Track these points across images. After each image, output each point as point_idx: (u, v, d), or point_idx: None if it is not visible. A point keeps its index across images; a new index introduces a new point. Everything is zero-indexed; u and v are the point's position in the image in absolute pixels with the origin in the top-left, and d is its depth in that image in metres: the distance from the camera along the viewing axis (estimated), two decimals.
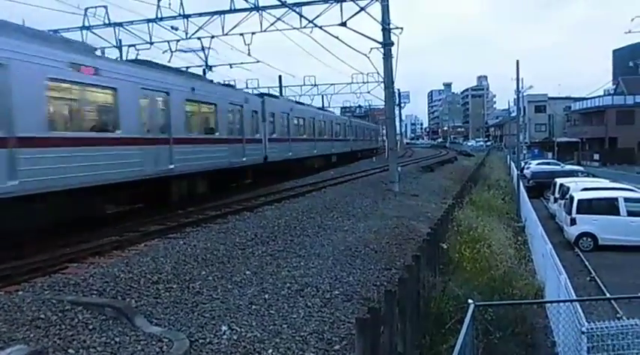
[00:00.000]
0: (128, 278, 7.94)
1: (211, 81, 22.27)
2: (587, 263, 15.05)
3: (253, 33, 23.55)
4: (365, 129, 58.08)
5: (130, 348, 5.73)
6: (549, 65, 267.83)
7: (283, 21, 22.03)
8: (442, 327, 7.08)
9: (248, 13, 22.10)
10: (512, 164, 37.33)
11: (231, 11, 22.12)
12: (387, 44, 21.74)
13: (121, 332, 6.07)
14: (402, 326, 5.89)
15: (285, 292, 7.97)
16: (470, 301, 5.61)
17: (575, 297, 7.48)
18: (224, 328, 6.48)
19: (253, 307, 7.27)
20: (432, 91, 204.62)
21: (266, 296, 7.75)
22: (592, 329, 6.16)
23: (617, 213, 17.12)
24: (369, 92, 52.93)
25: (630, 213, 17.01)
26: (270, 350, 6.04)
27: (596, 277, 13.48)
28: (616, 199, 17.65)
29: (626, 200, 17.56)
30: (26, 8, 19.81)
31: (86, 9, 22.40)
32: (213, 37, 24.46)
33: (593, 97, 63.28)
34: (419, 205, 18.45)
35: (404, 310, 5.94)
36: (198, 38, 24.62)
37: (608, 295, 11.59)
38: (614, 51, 78.26)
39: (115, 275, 7.98)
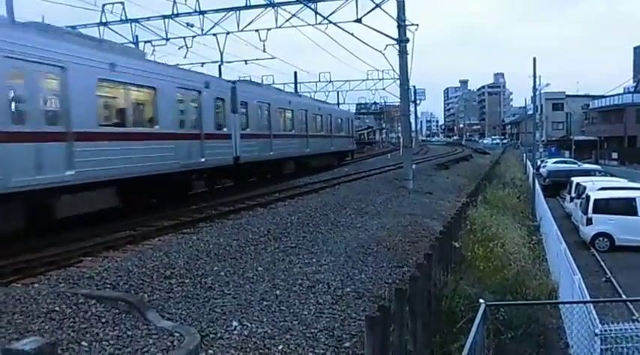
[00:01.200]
0: (141, 272, 8.02)
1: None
2: (602, 263, 14.88)
3: (268, 29, 23.62)
4: (315, 114, 30.46)
5: (141, 342, 5.79)
6: (567, 62, 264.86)
7: (298, 17, 22.00)
8: (453, 326, 7.05)
9: (263, 9, 22.15)
10: (529, 162, 36.96)
11: (246, 7, 22.18)
12: (402, 41, 21.62)
13: (133, 326, 6.13)
14: (413, 324, 5.88)
15: (297, 288, 7.99)
16: (481, 301, 5.58)
17: (589, 298, 7.40)
18: (235, 323, 6.52)
19: (264, 303, 7.30)
20: (447, 88, 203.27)
21: (277, 292, 7.77)
22: (606, 330, 6.10)
23: (635, 214, 16.88)
24: (384, 89, 52.77)
25: None
26: (280, 347, 6.06)
27: (611, 278, 13.32)
28: (634, 199, 17.40)
29: None
30: (43, 4, 20.05)
31: (103, 5, 22.62)
32: (228, 33, 24.54)
33: (613, 95, 62.29)
34: (433, 203, 18.36)
35: (414, 308, 5.93)
36: (214, 34, 24.74)
37: (624, 297, 11.45)
38: (635, 48, 76.82)
39: (129, 270, 8.06)
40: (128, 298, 6.78)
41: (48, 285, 7.34)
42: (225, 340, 6.11)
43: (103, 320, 6.16)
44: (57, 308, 6.29)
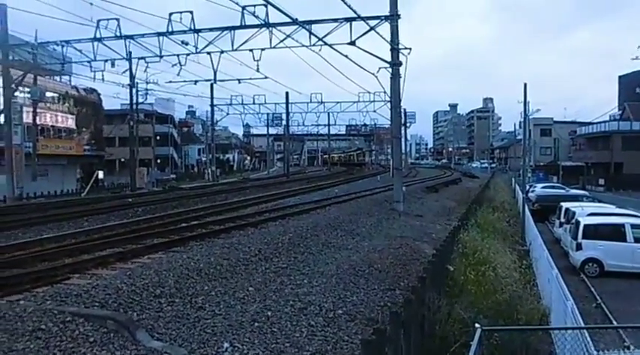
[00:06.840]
0: (130, 290, 7.87)
1: None
2: (592, 289, 14.86)
3: (262, 49, 23.77)
4: None
5: None
6: (555, 89, 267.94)
7: (293, 38, 22.23)
8: (446, 350, 6.97)
9: (258, 29, 22.31)
10: (518, 187, 37.19)
11: (241, 27, 22.30)
12: (395, 64, 21.83)
13: (121, 346, 5.99)
14: (407, 347, 5.80)
15: (289, 310, 7.88)
16: (477, 325, 5.52)
17: (583, 324, 7.35)
18: (226, 345, 6.39)
19: (256, 324, 7.19)
20: (437, 112, 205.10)
21: (269, 313, 7.66)
22: None
23: (624, 239, 16.92)
24: (375, 111, 53.26)
25: (637, 240, 16.79)
26: None
27: (601, 304, 13.29)
28: (622, 225, 17.46)
29: (633, 226, 17.34)
30: (38, 19, 20.06)
31: (98, 21, 22.72)
32: (222, 52, 24.68)
33: (599, 122, 63.25)
34: (423, 226, 18.35)
35: (409, 332, 5.86)
36: (208, 53, 24.84)
37: (615, 323, 11.42)
38: (620, 77, 78.06)
39: (118, 288, 7.91)
40: (117, 317, 6.64)
41: (34, 302, 7.17)
42: None
43: (91, 339, 6.02)
44: (43, 327, 6.14)
